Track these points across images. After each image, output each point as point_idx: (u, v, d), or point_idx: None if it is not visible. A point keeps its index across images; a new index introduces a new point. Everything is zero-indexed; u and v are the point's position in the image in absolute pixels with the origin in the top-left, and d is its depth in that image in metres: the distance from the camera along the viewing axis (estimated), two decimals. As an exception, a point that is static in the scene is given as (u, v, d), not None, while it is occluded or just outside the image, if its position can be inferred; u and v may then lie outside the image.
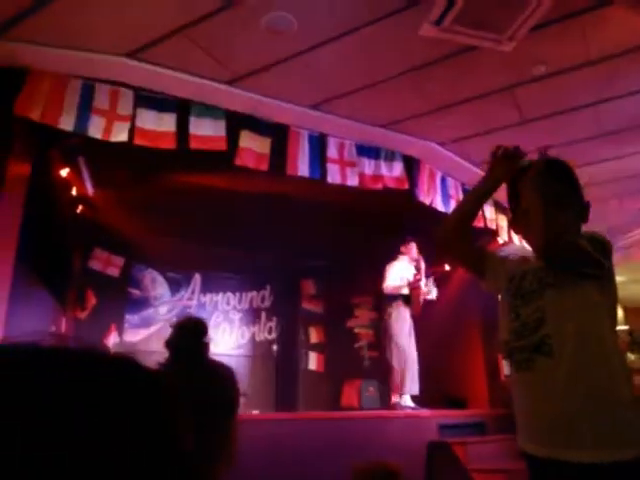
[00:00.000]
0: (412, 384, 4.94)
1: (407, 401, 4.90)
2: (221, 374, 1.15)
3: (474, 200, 1.66)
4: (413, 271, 5.23)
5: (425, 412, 4.72)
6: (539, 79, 3.79)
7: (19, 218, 3.69)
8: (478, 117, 4.31)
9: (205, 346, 1.15)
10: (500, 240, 5.80)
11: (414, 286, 5.14)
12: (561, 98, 4.02)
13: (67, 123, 3.35)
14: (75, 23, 3.17)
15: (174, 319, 6.67)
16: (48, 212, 4.46)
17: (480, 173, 5.10)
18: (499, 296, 1.58)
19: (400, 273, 5.20)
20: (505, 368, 6.41)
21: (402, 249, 5.36)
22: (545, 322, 1.33)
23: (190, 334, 1.16)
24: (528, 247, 1.56)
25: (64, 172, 4.22)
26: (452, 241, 1.63)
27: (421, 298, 5.14)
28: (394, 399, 4.91)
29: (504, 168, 1.56)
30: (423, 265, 5.23)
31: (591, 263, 1.32)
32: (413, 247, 5.35)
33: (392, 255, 5.46)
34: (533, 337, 1.33)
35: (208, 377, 1.12)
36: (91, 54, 3.43)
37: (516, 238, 5.75)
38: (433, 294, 5.29)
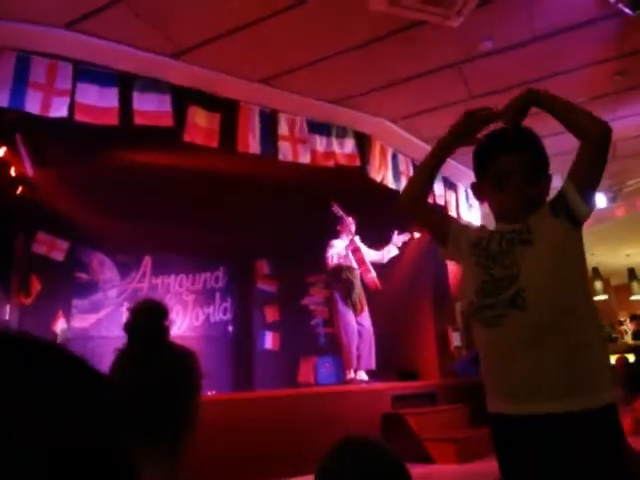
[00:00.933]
0: (368, 358, 5.03)
1: (362, 375, 5.00)
2: (181, 356, 1.14)
3: (435, 156, 1.67)
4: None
5: (378, 385, 4.84)
6: (486, 55, 3.86)
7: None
8: (427, 93, 4.36)
9: (165, 329, 1.13)
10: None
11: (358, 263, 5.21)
12: (508, 74, 4.10)
13: (1, 98, 3.15)
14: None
15: (125, 303, 6.52)
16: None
17: (429, 149, 5.18)
18: (460, 263, 1.60)
19: (336, 250, 5.25)
20: (455, 339, 6.64)
21: (340, 226, 5.40)
22: (519, 277, 1.34)
23: (149, 317, 1.13)
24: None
25: (0, 151, 3.99)
26: (416, 201, 1.64)
27: (367, 275, 5.21)
28: (349, 375, 4.99)
29: (473, 128, 1.57)
30: (356, 240, 5.29)
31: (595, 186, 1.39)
32: (349, 224, 5.38)
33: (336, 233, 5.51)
34: (507, 292, 1.34)
35: (168, 360, 1.11)
36: (27, 25, 3.23)
37: (466, 214, 5.91)
38: (393, 252, 5.40)
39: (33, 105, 3.24)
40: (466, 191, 5.98)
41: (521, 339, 1.32)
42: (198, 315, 7.15)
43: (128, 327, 1.12)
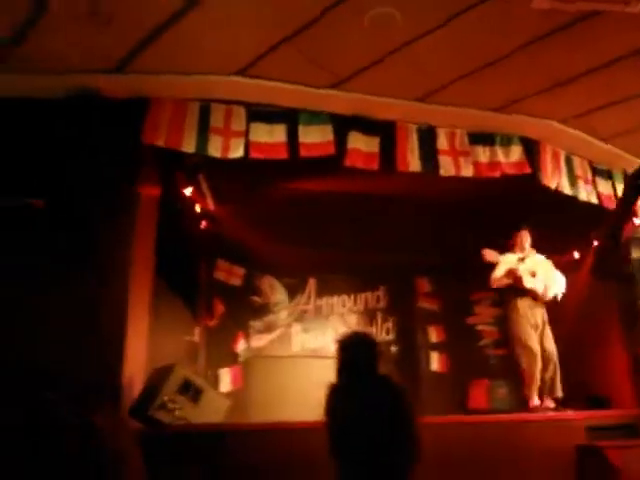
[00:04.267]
0: (552, 384, 4.58)
1: (548, 403, 4.56)
2: (394, 386, 1.15)
3: None
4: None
5: (569, 414, 4.36)
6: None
7: (154, 237, 4.01)
8: (601, 88, 3.94)
9: (377, 361, 1.16)
10: (637, 221, 5.24)
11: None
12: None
13: (189, 145, 3.57)
14: (187, 49, 3.37)
15: (294, 323, 6.86)
16: (176, 228, 4.79)
17: (609, 148, 4.65)
18: None
19: (507, 265, 4.73)
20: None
21: (511, 241, 4.96)
22: None
23: (362, 351, 1.16)
24: None
25: (188, 191, 4.50)
26: None
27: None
28: (532, 402, 4.57)
29: None
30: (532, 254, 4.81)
31: None
32: (523, 236, 4.92)
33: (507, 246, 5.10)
34: None
35: (383, 390, 1.13)
36: (204, 76, 3.63)
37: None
38: (560, 287, 4.85)
39: (215, 149, 3.60)
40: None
41: None
42: (362, 335, 7.24)
43: (345, 362, 1.14)
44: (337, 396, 1.06)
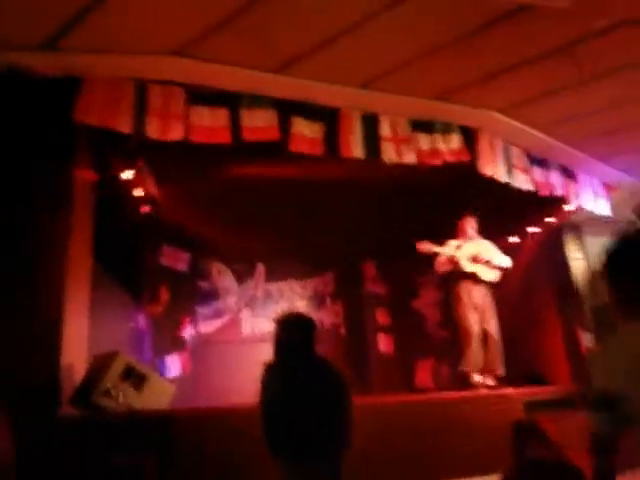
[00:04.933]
0: (494, 362, 4.80)
1: (488, 380, 4.77)
2: (330, 367, 1.18)
3: None
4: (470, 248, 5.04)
5: (507, 390, 4.57)
6: (601, 33, 3.50)
7: (91, 221, 3.89)
8: (538, 79, 4.06)
9: (313, 341, 1.17)
10: (570, 207, 5.50)
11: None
12: (629, 50, 3.70)
13: (124, 125, 3.45)
14: (119, 27, 3.24)
15: (243, 309, 6.86)
16: (117, 213, 4.67)
17: (545, 138, 4.83)
18: None
19: (447, 252, 5.02)
20: (586, 340, 6.11)
21: (456, 227, 5.18)
22: None
23: (299, 331, 1.18)
24: None
25: (128, 174, 4.38)
26: None
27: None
28: (473, 379, 4.78)
29: None
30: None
31: None
32: (467, 222, 5.15)
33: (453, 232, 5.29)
34: None
35: (320, 371, 1.14)
36: (140, 55, 3.51)
37: (591, 206, 5.40)
38: (505, 262, 5.11)
39: (153, 130, 3.51)
40: (589, 179, 5.48)
41: None
42: (311, 319, 7.32)
43: (280, 342, 1.15)
44: (270, 375, 1.08)
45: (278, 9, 3.15)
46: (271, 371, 1.22)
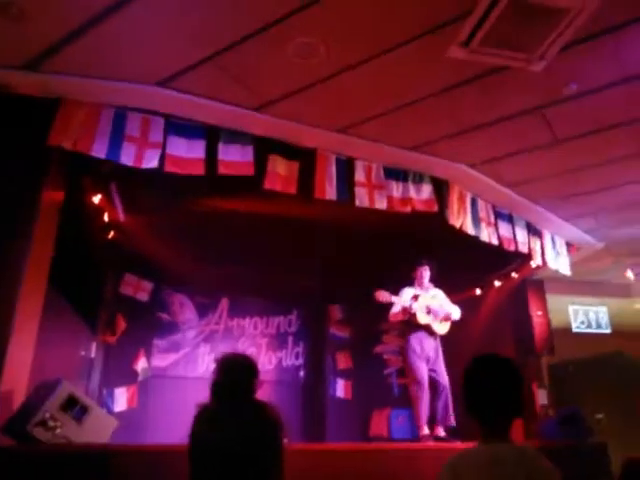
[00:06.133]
0: (445, 414, 4.75)
1: (440, 432, 4.71)
2: (266, 416, 1.12)
3: None
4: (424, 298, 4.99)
5: (458, 444, 4.53)
6: (571, 98, 3.71)
7: (52, 244, 3.75)
8: (509, 138, 4.24)
9: (254, 387, 1.11)
10: (533, 264, 5.65)
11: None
12: (595, 117, 3.92)
13: (99, 150, 3.42)
14: (106, 54, 3.25)
15: (202, 344, 6.67)
16: (80, 238, 4.53)
17: (512, 194, 5.00)
18: None
19: (402, 302, 4.87)
20: (541, 397, 6.17)
21: (412, 274, 5.14)
22: None
23: (238, 374, 1.12)
24: None
25: (96, 199, 4.30)
26: None
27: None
28: (422, 431, 4.72)
29: None
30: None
31: None
32: (423, 271, 5.13)
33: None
34: None
35: (254, 419, 1.08)
36: (123, 83, 3.51)
37: (552, 263, 5.56)
38: (456, 314, 5.10)
39: (127, 157, 3.47)
40: (552, 238, 5.67)
41: None
42: (271, 359, 7.17)
43: (217, 384, 1.10)
44: (202, 419, 1.02)
45: (263, 51, 3.22)
46: (204, 413, 1.16)
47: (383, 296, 4.81)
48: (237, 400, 1.04)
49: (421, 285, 5.05)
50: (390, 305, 4.94)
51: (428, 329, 4.93)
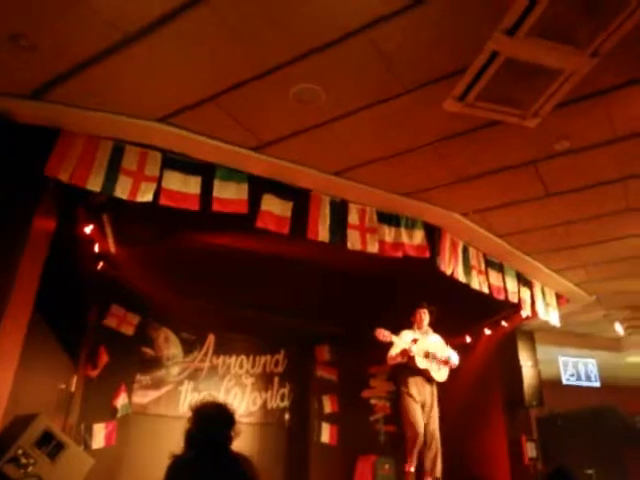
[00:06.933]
0: (432, 466, 4.63)
1: (426, 481, 4.59)
2: (241, 469, 1.07)
3: None
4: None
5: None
6: (563, 154, 3.79)
7: (39, 272, 3.71)
8: (501, 189, 4.30)
9: (230, 439, 1.07)
10: (523, 314, 5.63)
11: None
12: (586, 173, 4.00)
13: (95, 184, 3.42)
14: (109, 88, 3.30)
15: (185, 381, 6.51)
16: (69, 267, 4.48)
17: (503, 244, 5.03)
18: None
19: (402, 345, 4.81)
20: (530, 450, 6.05)
21: (412, 317, 5.13)
22: None
23: (214, 427, 1.08)
24: None
25: (88, 229, 4.28)
26: None
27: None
28: (410, 468, 4.59)
29: None
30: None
31: None
32: (422, 314, 5.09)
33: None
34: None
35: (228, 473, 1.04)
36: (124, 117, 3.54)
37: (543, 314, 5.56)
38: (454, 360, 5.03)
39: (123, 190, 3.48)
40: (542, 289, 5.68)
41: None
42: (256, 400, 7.01)
43: (192, 436, 1.06)
44: (175, 471, 0.97)
45: (265, 94, 3.28)
46: (178, 464, 1.11)
47: (383, 335, 4.73)
48: (212, 452, 1.00)
49: (420, 328, 5.00)
50: (387, 345, 4.88)
51: (426, 374, 4.86)
